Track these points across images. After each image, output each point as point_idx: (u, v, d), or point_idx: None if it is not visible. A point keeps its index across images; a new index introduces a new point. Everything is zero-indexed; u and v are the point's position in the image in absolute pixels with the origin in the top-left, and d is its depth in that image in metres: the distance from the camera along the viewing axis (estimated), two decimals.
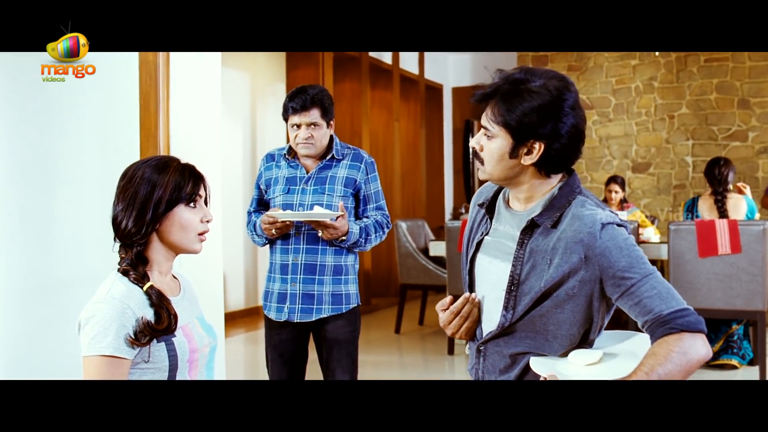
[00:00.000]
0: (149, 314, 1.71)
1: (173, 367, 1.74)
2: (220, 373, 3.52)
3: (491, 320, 1.82)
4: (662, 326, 1.62)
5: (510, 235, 1.81)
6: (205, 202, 1.83)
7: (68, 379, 3.05)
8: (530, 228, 1.76)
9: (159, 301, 1.73)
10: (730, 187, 5.29)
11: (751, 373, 4.89)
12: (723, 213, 5.19)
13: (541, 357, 1.74)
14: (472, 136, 9.28)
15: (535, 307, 1.74)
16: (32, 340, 3.33)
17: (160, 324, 1.71)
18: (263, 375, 4.72)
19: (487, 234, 1.87)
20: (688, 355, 1.59)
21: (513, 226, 1.81)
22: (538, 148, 1.73)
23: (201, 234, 1.81)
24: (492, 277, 1.82)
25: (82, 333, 1.70)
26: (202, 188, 1.81)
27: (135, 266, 1.75)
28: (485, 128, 1.79)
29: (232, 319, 6.75)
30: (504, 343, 1.79)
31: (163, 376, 1.73)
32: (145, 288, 1.74)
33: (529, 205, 1.81)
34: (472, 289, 1.91)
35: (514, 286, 1.76)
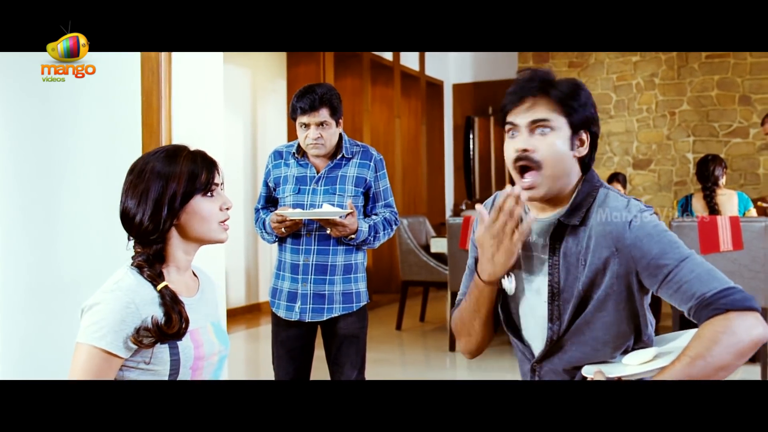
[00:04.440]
0: (158, 314, 1.62)
1: (173, 372, 1.65)
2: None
3: (538, 337, 1.73)
4: (706, 309, 1.52)
5: (539, 245, 1.72)
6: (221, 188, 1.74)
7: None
8: (559, 231, 1.68)
9: (172, 303, 1.63)
10: (721, 182, 5.37)
11: (752, 370, 4.89)
12: (713, 208, 5.28)
13: (594, 365, 1.66)
14: (473, 133, 9.14)
15: (579, 315, 1.66)
16: (38, 339, 3.33)
17: (170, 327, 1.61)
18: (265, 371, 4.72)
19: None
20: (738, 335, 1.48)
21: (540, 234, 1.72)
22: (586, 138, 1.70)
23: (222, 222, 1.72)
24: (531, 293, 1.73)
25: (82, 318, 1.62)
26: (217, 175, 1.72)
27: (151, 264, 1.66)
28: (542, 121, 1.64)
29: (233, 316, 6.76)
30: (558, 360, 1.70)
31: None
32: (159, 288, 1.64)
33: (556, 210, 1.71)
34: (508, 309, 1.79)
35: (556, 295, 1.67)
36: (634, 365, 1.59)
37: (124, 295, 1.61)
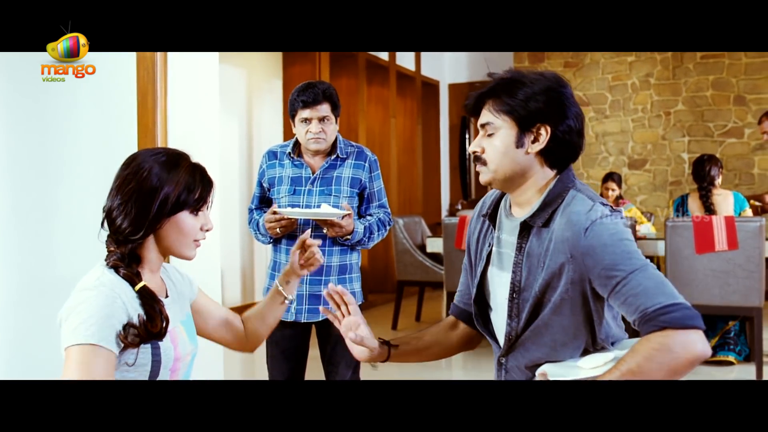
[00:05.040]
0: (140, 313, 1.59)
1: (154, 373, 1.62)
2: (217, 370, 3.52)
3: (503, 331, 1.78)
4: (647, 324, 1.52)
5: (510, 243, 1.76)
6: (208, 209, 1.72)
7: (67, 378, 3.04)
8: (525, 231, 1.71)
9: (152, 303, 1.60)
10: (717, 182, 5.37)
11: (747, 369, 4.90)
12: (709, 208, 5.28)
13: (551, 363, 1.69)
14: (469, 133, 9.21)
15: (537, 316, 1.68)
16: (31, 339, 3.33)
17: (154, 327, 1.58)
18: (260, 371, 4.72)
19: (492, 245, 1.82)
20: (672, 353, 1.47)
21: (511, 233, 1.76)
22: (545, 132, 1.69)
23: (197, 240, 1.70)
24: (501, 289, 1.77)
25: (65, 325, 1.56)
26: (210, 195, 1.69)
27: (127, 264, 1.63)
28: (486, 125, 1.74)
29: None
30: (521, 357, 1.74)
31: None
32: (137, 288, 1.61)
33: (528, 208, 1.74)
34: (482, 302, 1.86)
35: (516, 293, 1.71)
36: (586, 369, 1.60)
37: (108, 291, 1.57)
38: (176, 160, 1.66)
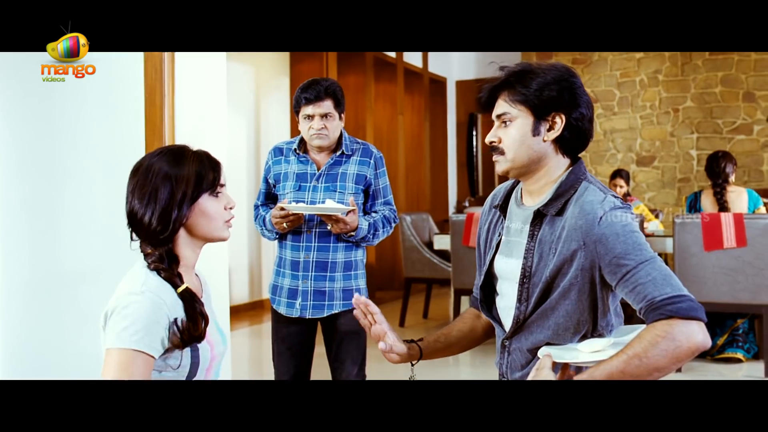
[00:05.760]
0: (183, 316, 1.62)
1: (192, 374, 1.66)
2: (225, 368, 3.53)
3: (509, 316, 1.84)
4: (653, 312, 1.59)
5: (520, 231, 1.83)
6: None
7: (75, 373, 3.06)
8: (538, 219, 1.79)
9: (194, 305, 1.64)
10: (731, 179, 5.32)
11: (755, 367, 4.89)
12: (723, 206, 5.23)
13: (552, 346, 1.75)
14: (476, 130, 9.15)
15: (545, 299, 1.76)
16: (40, 334, 3.34)
17: (195, 330, 1.62)
18: (268, 369, 4.73)
19: (502, 234, 1.89)
20: (676, 341, 1.54)
21: (523, 221, 1.83)
22: (560, 120, 1.77)
23: (227, 221, 1.75)
24: (508, 275, 1.85)
25: (109, 323, 1.59)
26: (222, 175, 1.74)
27: (168, 265, 1.66)
28: (502, 115, 1.80)
29: (237, 313, 6.77)
30: (524, 339, 1.81)
31: None
32: (180, 290, 1.65)
33: (540, 198, 1.82)
34: (488, 288, 1.93)
35: (526, 278, 1.78)
36: (586, 353, 1.66)
37: (155, 297, 1.61)
38: (180, 152, 1.71)
